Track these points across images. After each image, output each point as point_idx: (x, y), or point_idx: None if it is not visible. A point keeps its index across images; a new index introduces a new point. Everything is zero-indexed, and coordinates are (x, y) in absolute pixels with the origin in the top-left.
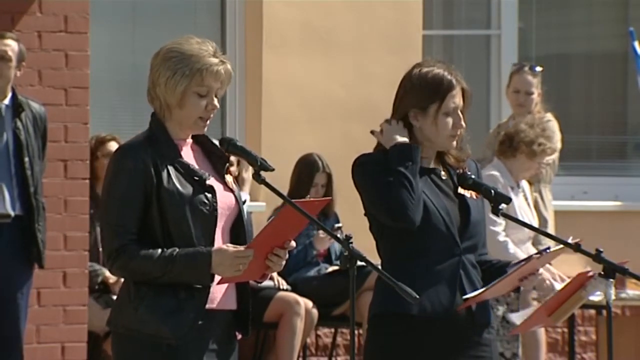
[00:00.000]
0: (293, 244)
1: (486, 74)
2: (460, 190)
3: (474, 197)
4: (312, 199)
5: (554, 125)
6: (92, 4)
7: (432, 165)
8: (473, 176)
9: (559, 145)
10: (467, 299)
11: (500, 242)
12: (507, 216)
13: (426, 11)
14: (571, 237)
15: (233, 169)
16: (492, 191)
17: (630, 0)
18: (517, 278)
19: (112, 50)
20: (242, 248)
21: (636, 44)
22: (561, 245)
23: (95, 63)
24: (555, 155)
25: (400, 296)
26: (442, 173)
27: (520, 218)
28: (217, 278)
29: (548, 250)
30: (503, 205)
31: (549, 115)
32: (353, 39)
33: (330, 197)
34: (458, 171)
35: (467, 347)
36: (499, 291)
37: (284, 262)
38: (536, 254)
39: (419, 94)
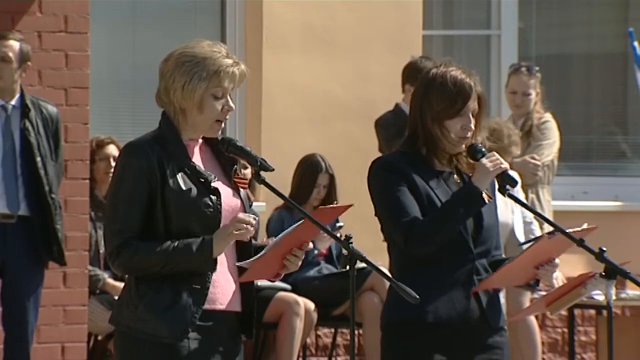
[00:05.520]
0: (311, 245)
1: (486, 74)
2: None
3: (487, 199)
4: (337, 206)
5: (507, 127)
6: (92, 4)
7: (446, 169)
8: (483, 149)
9: (513, 148)
10: (482, 282)
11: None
12: (513, 197)
13: (426, 11)
14: (586, 224)
15: (246, 171)
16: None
17: (630, 0)
18: (533, 264)
19: (112, 50)
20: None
21: (636, 44)
22: (585, 226)
23: (95, 63)
24: (515, 153)
25: (413, 304)
26: (455, 177)
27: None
28: (224, 277)
29: (564, 230)
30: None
31: (548, 115)
32: (353, 39)
33: (352, 204)
34: (464, 160)
35: (480, 351)
36: (514, 279)
37: (300, 262)
38: (549, 233)
39: (438, 97)
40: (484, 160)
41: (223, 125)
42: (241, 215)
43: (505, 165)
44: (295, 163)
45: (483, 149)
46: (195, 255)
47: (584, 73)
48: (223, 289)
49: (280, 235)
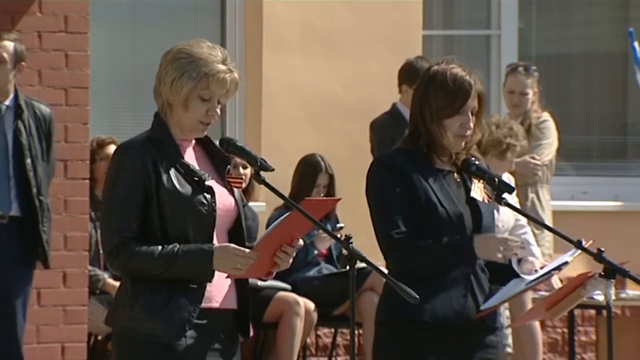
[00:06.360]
0: (301, 242)
1: (486, 74)
2: (473, 194)
3: (486, 200)
4: (324, 198)
5: (515, 124)
6: (92, 4)
7: (446, 168)
8: (477, 162)
9: (525, 143)
10: (484, 309)
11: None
12: (510, 206)
13: (426, 11)
14: (590, 242)
15: (246, 171)
16: (496, 179)
17: (630, 0)
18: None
19: (112, 50)
20: (246, 250)
21: (636, 44)
22: (577, 252)
23: (95, 63)
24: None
25: (410, 302)
26: (455, 175)
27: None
28: (219, 275)
29: (567, 263)
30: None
31: (546, 115)
32: (353, 39)
33: (340, 197)
34: (463, 156)
35: (476, 350)
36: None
37: (291, 260)
38: (555, 269)
39: (437, 95)
40: (500, 246)
41: (209, 127)
42: (252, 253)
43: (514, 255)
44: (295, 163)
45: (476, 162)
46: (195, 268)
47: (584, 73)
48: (218, 286)
49: (270, 228)
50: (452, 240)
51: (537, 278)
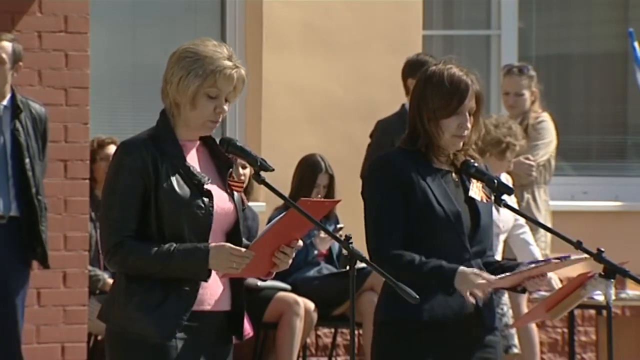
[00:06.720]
0: (300, 243)
1: (486, 74)
2: (471, 194)
3: (484, 200)
4: (322, 199)
5: (514, 123)
6: (92, 4)
7: (445, 167)
8: (476, 164)
9: (524, 142)
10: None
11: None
12: (509, 207)
13: (426, 11)
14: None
15: (246, 171)
16: (495, 181)
17: (630, 0)
18: (526, 277)
19: (112, 50)
20: (242, 250)
21: (636, 44)
22: (584, 255)
23: (95, 63)
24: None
25: (409, 302)
26: (454, 175)
27: None
28: (212, 278)
29: (569, 257)
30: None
31: (545, 115)
32: (353, 39)
33: (340, 199)
34: (461, 156)
35: (474, 349)
36: (504, 284)
37: (290, 260)
38: (556, 258)
39: (434, 95)
40: (477, 283)
41: (218, 125)
42: (247, 253)
43: (479, 295)
44: (295, 163)
45: (475, 164)
46: (191, 266)
47: (584, 73)
48: (211, 289)
49: (266, 227)
50: (437, 268)
51: (537, 262)
